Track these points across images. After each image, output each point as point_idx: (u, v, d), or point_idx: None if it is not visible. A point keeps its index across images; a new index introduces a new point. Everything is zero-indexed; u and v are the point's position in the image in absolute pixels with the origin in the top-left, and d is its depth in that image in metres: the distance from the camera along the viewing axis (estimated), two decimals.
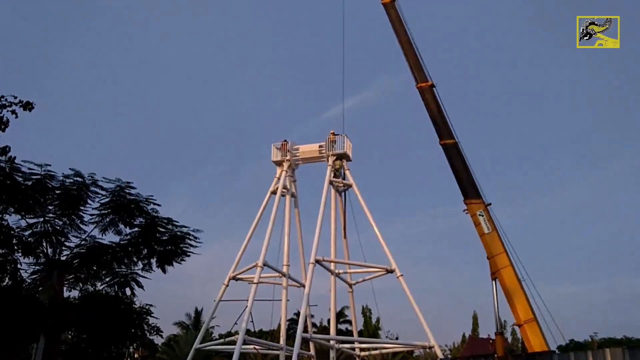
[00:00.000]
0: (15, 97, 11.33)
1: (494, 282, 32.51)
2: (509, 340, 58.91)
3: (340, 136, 35.82)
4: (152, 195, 25.17)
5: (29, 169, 23.50)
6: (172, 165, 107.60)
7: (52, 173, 24.17)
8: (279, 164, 36.56)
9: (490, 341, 50.35)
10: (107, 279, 25.69)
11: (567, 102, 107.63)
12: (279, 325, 35.38)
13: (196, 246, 25.88)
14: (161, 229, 25.35)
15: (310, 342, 34.88)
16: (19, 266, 23.61)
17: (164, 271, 25.69)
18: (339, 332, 45.20)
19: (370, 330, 58.29)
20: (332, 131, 35.92)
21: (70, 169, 25.46)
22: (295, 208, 37.18)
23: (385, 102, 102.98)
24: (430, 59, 37.69)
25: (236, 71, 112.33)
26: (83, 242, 25.04)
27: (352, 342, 37.39)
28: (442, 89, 36.95)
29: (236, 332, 37.50)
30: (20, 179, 23.18)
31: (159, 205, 25.49)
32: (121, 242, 25.46)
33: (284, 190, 36.08)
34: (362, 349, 37.41)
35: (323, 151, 36.12)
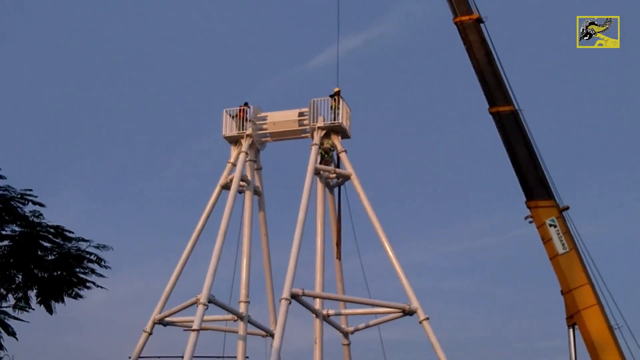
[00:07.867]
0: None
1: (571, 329, 28.34)
2: None
3: (335, 99, 31.16)
4: (30, 190, 21.91)
5: None
6: (64, 149, 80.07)
7: None
8: (235, 141, 31.87)
9: None
10: None
11: None
12: None
13: (101, 274, 22.54)
14: (45, 244, 22.09)
15: None
16: None
17: (50, 311, 22.43)
18: None
19: None
20: (336, 88, 31.12)
21: None
22: (260, 212, 32.95)
23: (412, 41, 76.68)
24: None
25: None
26: None
27: None
28: (495, 27, 30.57)
29: None
30: None
31: (42, 205, 21.98)
32: None
33: (242, 183, 31.74)
34: None
35: (306, 121, 31.20)
